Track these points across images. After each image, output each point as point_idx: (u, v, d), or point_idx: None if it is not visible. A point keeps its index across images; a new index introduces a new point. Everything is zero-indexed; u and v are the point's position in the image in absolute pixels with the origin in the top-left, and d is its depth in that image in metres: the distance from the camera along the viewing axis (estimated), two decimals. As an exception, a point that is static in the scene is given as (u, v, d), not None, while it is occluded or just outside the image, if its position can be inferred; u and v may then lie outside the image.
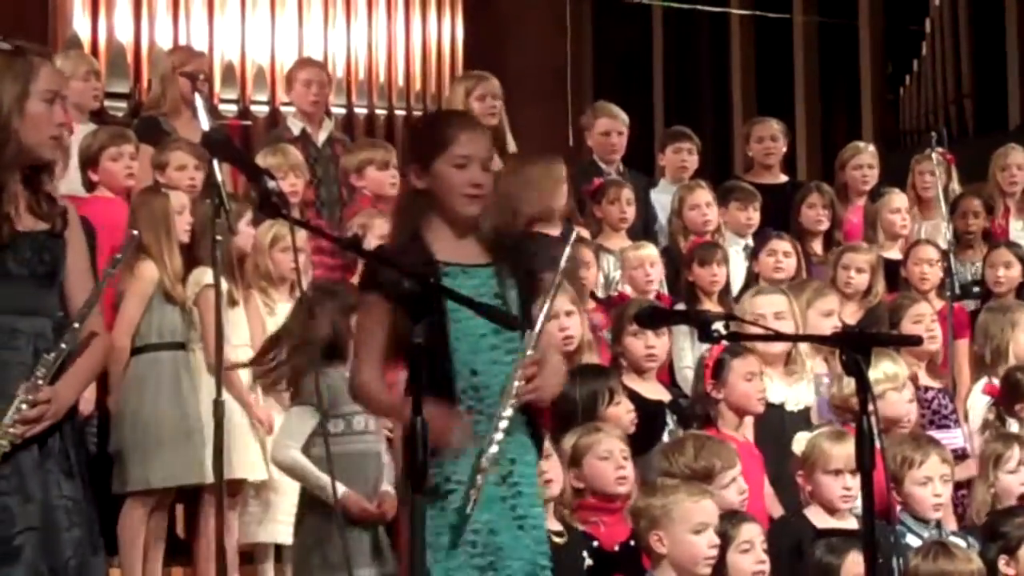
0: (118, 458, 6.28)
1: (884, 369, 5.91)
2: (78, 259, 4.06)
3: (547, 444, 4.74)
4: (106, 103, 8.90)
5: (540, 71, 12.86)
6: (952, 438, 6.52)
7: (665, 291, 7.44)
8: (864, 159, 8.79)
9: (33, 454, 3.91)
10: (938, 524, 5.57)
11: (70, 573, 3.91)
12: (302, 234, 6.52)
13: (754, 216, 8.16)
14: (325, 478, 5.15)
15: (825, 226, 8.22)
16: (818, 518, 5.41)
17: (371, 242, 6.58)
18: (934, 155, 8.30)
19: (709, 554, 4.84)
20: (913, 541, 5.40)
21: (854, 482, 5.29)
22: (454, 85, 9.07)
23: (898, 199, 8.30)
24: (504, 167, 7.11)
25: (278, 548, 6.49)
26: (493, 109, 8.13)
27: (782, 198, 8.42)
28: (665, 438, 5.95)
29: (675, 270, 7.54)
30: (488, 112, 8.00)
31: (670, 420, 6.03)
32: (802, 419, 6.18)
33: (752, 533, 5.02)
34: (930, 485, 5.50)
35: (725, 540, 4.91)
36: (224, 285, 5.16)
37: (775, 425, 6.06)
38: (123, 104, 10.99)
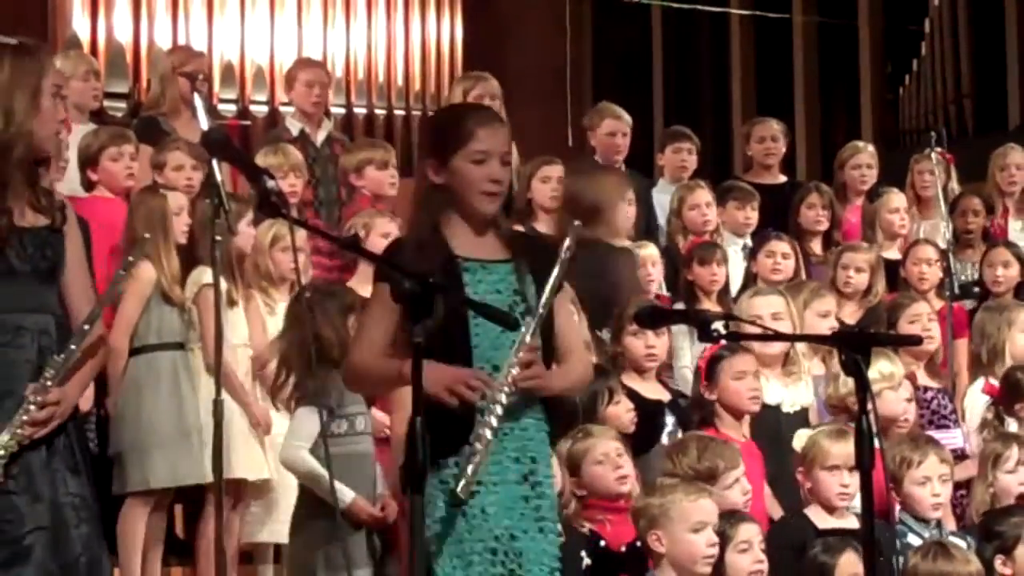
0: (118, 459, 6.28)
1: (880, 368, 5.91)
2: (76, 255, 4.07)
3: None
4: (105, 103, 8.91)
5: (540, 71, 12.87)
6: (952, 438, 6.51)
7: (664, 291, 7.44)
8: (863, 159, 8.79)
9: (41, 454, 3.93)
10: (938, 524, 5.57)
11: (81, 570, 3.92)
12: (302, 234, 6.52)
13: (752, 216, 8.16)
14: (335, 482, 5.17)
15: (824, 226, 8.23)
16: (818, 518, 5.41)
17: (374, 241, 6.59)
18: (933, 155, 8.30)
19: (708, 553, 4.83)
20: (914, 541, 5.40)
21: (851, 479, 5.30)
22: (453, 85, 9.08)
23: (897, 199, 8.30)
24: (570, 168, 7.17)
25: (277, 548, 6.49)
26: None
27: (781, 198, 8.42)
28: (664, 438, 5.95)
29: (674, 270, 7.54)
30: (487, 112, 7.99)
31: (669, 420, 6.03)
32: (798, 420, 6.17)
33: (750, 533, 5.02)
34: (928, 485, 5.50)
35: (723, 540, 4.91)
36: (223, 285, 5.16)
37: (771, 426, 6.06)
38: (122, 104, 10.99)
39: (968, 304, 7.76)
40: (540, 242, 4.41)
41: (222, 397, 4.66)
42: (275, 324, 6.23)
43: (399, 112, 12.42)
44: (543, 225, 7.40)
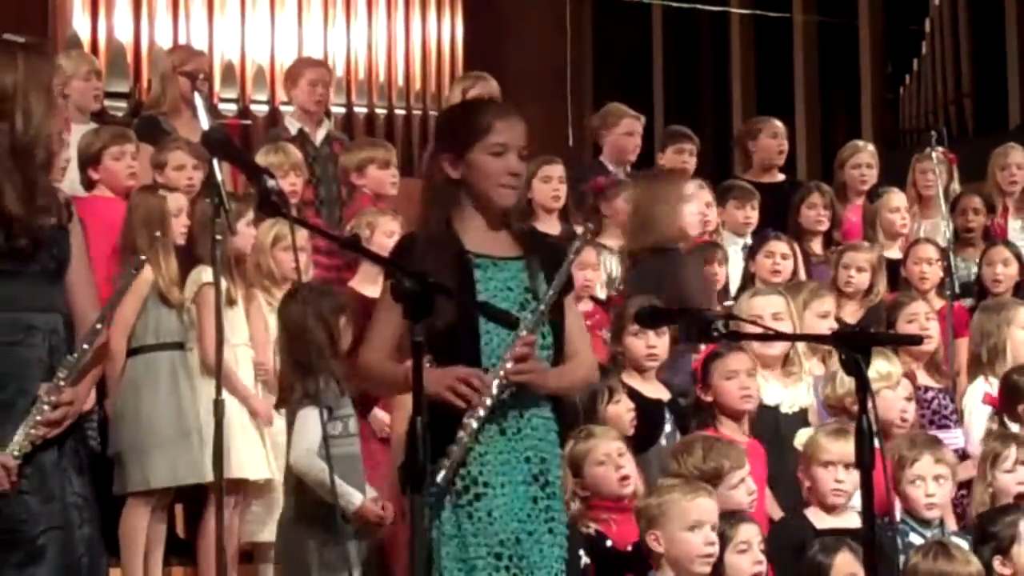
0: (117, 459, 6.28)
1: (877, 368, 5.90)
2: (80, 253, 4.07)
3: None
4: (106, 103, 8.89)
5: (540, 71, 12.86)
6: (953, 438, 6.50)
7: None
8: (863, 158, 8.79)
9: (52, 454, 3.93)
10: (941, 523, 5.56)
11: (83, 571, 3.92)
12: (303, 233, 6.52)
13: (752, 215, 8.16)
14: (344, 485, 5.17)
15: (825, 226, 8.23)
16: (818, 518, 5.41)
17: (379, 240, 6.60)
18: (934, 154, 8.30)
19: (705, 551, 4.83)
20: (916, 540, 5.39)
21: (846, 475, 5.30)
22: (452, 85, 9.08)
23: (897, 198, 8.30)
24: (635, 185, 7.30)
25: (277, 548, 6.49)
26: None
27: (780, 197, 8.42)
28: (662, 439, 5.95)
29: (674, 269, 7.54)
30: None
31: (667, 420, 6.02)
32: (798, 421, 6.17)
33: (750, 533, 5.02)
34: (922, 485, 5.50)
35: (723, 541, 4.91)
36: (223, 284, 5.15)
37: (769, 427, 6.05)
38: (123, 104, 10.98)
39: (968, 303, 7.76)
40: (551, 240, 4.39)
41: (223, 397, 4.67)
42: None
43: (400, 112, 12.42)
44: (544, 225, 7.39)
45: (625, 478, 5.22)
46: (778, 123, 9.02)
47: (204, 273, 6.31)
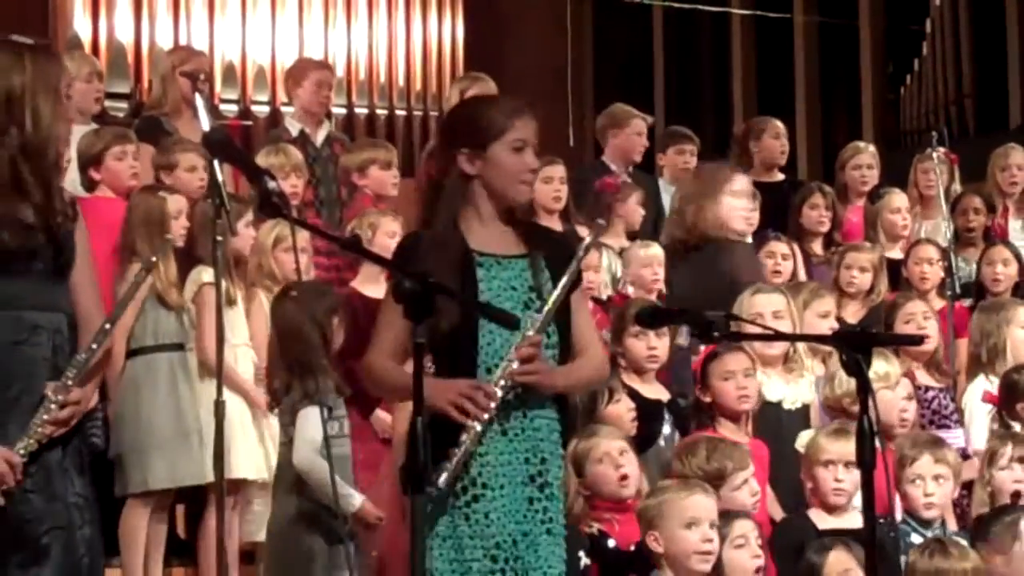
0: (118, 460, 6.28)
1: (876, 368, 5.87)
2: (83, 253, 4.07)
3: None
4: (107, 103, 8.90)
5: (540, 71, 12.87)
6: (953, 438, 6.49)
7: (666, 290, 7.44)
8: (864, 159, 8.79)
9: (57, 453, 3.93)
10: (943, 523, 5.56)
11: (83, 572, 3.92)
12: (304, 234, 6.52)
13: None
14: (345, 486, 5.17)
15: (826, 227, 8.22)
16: (819, 519, 5.41)
17: (381, 241, 6.60)
18: (935, 154, 8.29)
19: (702, 548, 4.80)
20: (917, 540, 5.38)
21: (846, 474, 5.30)
22: (451, 86, 9.09)
23: (898, 199, 8.30)
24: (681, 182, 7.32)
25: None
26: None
27: (780, 197, 8.42)
28: (660, 440, 5.94)
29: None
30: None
31: (667, 422, 6.01)
32: (800, 417, 6.16)
33: (745, 528, 5.00)
34: (920, 484, 5.49)
35: (720, 538, 4.90)
36: (223, 285, 5.15)
37: (772, 423, 6.04)
38: (124, 104, 11.00)
39: (968, 303, 7.76)
40: (556, 235, 4.37)
41: (223, 398, 4.66)
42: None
43: (400, 112, 12.43)
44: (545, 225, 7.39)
45: (625, 477, 5.20)
46: (780, 124, 9.02)
47: (204, 273, 6.31)
